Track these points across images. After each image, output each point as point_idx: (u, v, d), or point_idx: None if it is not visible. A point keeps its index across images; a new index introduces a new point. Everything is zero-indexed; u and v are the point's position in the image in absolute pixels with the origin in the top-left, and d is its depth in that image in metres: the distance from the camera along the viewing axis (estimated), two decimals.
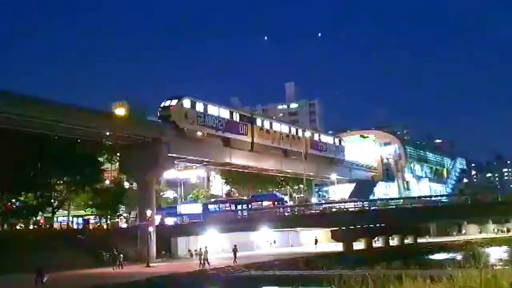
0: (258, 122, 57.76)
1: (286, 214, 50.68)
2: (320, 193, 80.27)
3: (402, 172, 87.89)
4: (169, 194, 73.39)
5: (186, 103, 48.45)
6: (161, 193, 70.17)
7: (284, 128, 61.96)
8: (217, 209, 57.82)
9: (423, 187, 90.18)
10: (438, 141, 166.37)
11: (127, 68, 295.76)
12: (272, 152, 58.69)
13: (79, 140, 46.10)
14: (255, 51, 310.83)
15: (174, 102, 48.01)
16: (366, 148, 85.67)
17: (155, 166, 45.25)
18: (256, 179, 70.73)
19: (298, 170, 61.12)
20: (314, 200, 70.25)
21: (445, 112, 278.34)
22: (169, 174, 59.54)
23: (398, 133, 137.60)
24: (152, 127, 46.29)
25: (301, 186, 72.03)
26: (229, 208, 57.25)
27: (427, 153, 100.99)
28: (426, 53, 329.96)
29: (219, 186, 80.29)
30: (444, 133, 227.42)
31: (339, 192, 72.89)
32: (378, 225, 49.52)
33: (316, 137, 69.11)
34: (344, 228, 46.34)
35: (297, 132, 64.05)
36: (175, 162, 51.40)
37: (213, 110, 51.09)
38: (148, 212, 43.17)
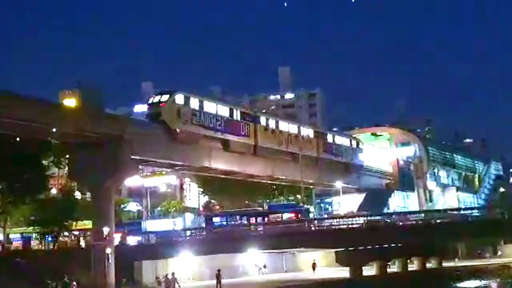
0: (262, 121, 59.74)
1: (317, 228, 51.16)
2: (322, 205, 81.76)
3: (423, 179, 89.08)
4: (132, 206, 73.76)
5: (179, 99, 50.09)
6: (122, 206, 70.08)
7: (292, 128, 64.18)
8: (224, 222, 59.01)
9: (449, 197, 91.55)
10: (468, 141, 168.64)
11: (79, 45, 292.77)
12: (278, 156, 60.87)
13: (18, 138, 45.76)
14: (241, 27, 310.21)
15: (165, 97, 49.71)
16: (378, 150, 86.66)
17: (115, 171, 45.28)
18: (242, 188, 71.72)
19: (295, 177, 62.23)
20: (313, 214, 71.06)
21: (476, 106, 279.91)
22: (132, 181, 59.55)
23: (419, 130, 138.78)
24: (110, 121, 46.30)
25: (299, 196, 73.39)
26: (239, 222, 58.44)
27: (455, 155, 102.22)
28: (452, 36, 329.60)
29: (195, 197, 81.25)
30: (475, 131, 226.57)
31: (345, 204, 74.14)
32: (393, 245, 49.80)
33: (329, 138, 71.16)
34: (351, 249, 46.46)
35: (307, 133, 66.51)
36: (140, 166, 51.61)
37: (210, 107, 52.95)
38: (105, 230, 43.19)
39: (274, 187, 77.30)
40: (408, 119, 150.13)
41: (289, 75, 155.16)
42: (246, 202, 79.24)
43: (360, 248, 46.73)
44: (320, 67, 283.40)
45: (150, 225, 62.03)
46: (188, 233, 55.19)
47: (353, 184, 75.72)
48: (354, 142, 76.34)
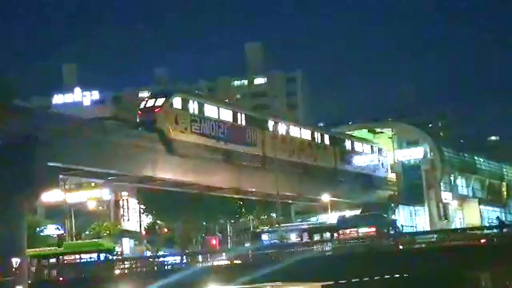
0: (270, 125, 64.88)
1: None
2: None
3: (436, 189, 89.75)
4: (51, 230, 73.99)
5: (177, 102, 54.56)
6: (38, 229, 70.46)
7: (305, 133, 69.32)
8: (278, 240, 60.66)
9: (470, 213, 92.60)
10: (493, 139, 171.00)
11: None
12: (289, 169, 65.04)
13: None
14: None
15: (160, 101, 54.00)
16: (375, 148, 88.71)
17: (26, 183, 44.30)
18: (198, 205, 72.30)
19: (283, 189, 63.77)
20: (293, 238, 69.64)
21: (502, 96, 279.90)
22: (50, 196, 58.89)
23: (430, 126, 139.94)
24: (20, 116, 45.81)
25: (274, 215, 76.66)
26: (298, 239, 61.33)
27: (477, 158, 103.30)
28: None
29: (135, 217, 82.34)
30: (502, 127, 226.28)
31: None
32: (397, 275, 49.72)
33: (348, 145, 76.37)
34: (343, 282, 46.40)
35: (322, 139, 71.82)
36: (61, 176, 52.29)
37: (211, 111, 57.81)
38: (15, 261, 42.64)
39: (241, 202, 78.59)
40: (416, 111, 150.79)
41: (260, 54, 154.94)
42: (204, 223, 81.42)
43: (354, 280, 47.04)
44: (301, 46, 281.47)
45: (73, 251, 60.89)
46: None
47: (345, 197, 77.14)
48: (376, 149, 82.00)
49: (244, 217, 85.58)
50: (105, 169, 51.62)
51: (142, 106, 55.36)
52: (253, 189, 66.13)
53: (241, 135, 60.84)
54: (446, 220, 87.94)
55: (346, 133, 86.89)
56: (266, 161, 62.50)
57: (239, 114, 61.24)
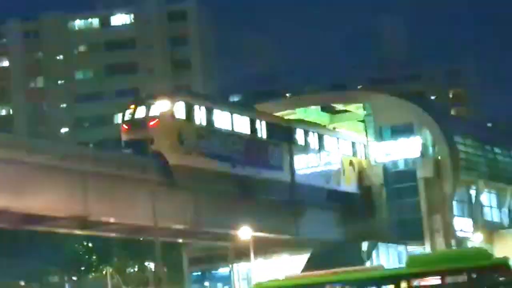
0: (299, 135, 64.68)
1: None
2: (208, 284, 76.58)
3: (445, 213, 75.72)
4: None
5: (180, 109, 52.95)
6: None
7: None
8: None
9: (506, 252, 69.09)
10: None
11: None
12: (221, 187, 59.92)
13: None
14: None
15: (159, 107, 52.01)
16: (341, 143, 76.53)
17: None
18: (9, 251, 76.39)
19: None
20: None
21: None
22: None
23: (434, 98, 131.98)
24: None
25: (151, 265, 76.18)
26: None
27: None
28: None
29: None
30: None
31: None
32: None
33: (299, 137, 70.29)
34: None
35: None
36: None
37: (223, 119, 56.87)
38: None
39: (90, 244, 77.28)
40: (410, 73, 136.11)
41: None
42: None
43: None
44: None
45: None
46: None
47: (279, 230, 67.53)
48: (348, 142, 74.54)
49: (97, 270, 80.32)
50: None
51: (127, 117, 52.54)
52: (111, 219, 55.26)
53: (262, 153, 59.88)
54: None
55: (281, 115, 74.45)
56: (295, 192, 63.46)
57: (257, 122, 60.51)
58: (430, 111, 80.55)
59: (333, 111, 79.90)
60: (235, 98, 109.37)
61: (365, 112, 77.54)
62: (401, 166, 76.41)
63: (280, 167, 61.51)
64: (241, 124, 57.98)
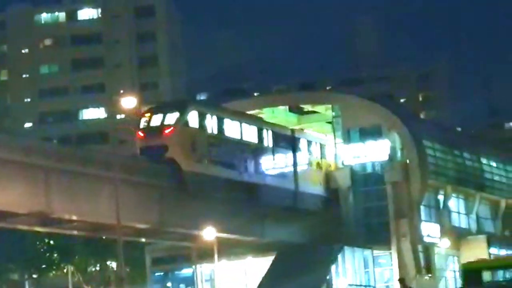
0: (303, 143, 67.31)
1: None
2: None
3: (412, 218, 74.18)
4: None
5: (193, 118, 55.07)
6: None
7: (311, 143, 70.40)
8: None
9: (472, 259, 71.78)
10: None
11: None
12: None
13: None
14: None
15: (172, 116, 53.58)
16: (309, 145, 75.68)
17: None
18: None
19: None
20: None
21: None
22: None
23: (402, 101, 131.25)
24: None
25: (113, 264, 76.19)
26: None
27: (486, 161, 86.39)
28: None
29: None
30: None
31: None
32: None
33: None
34: None
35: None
36: None
37: (233, 128, 59.16)
38: None
39: (51, 242, 76.33)
40: (379, 73, 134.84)
41: None
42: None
43: None
44: None
45: None
46: None
47: (245, 232, 67.50)
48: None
49: (58, 268, 79.49)
50: None
51: (143, 124, 54.05)
52: (73, 216, 54.70)
53: (268, 162, 62.85)
54: (430, 275, 75.65)
55: (249, 113, 74.13)
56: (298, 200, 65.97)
57: (265, 131, 62.83)
58: (399, 114, 79.89)
59: (301, 112, 79.50)
60: (202, 97, 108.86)
61: (333, 113, 77.09)
62: (369, 169, 76.00)
63: (282, 176, 62.92)
64: (249, 131, 60.48)
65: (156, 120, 53.57)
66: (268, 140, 64.08)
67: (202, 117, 55.35)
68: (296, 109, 78.99)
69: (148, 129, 53.66)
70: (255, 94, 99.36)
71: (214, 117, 57.07)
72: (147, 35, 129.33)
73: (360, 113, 76.68)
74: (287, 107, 78.84)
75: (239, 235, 65.77)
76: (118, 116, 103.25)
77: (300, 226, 70.41)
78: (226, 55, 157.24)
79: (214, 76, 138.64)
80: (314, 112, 79.42)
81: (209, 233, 59.99)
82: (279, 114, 77.14)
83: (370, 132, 75.31)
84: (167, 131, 52.62)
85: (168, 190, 60.95)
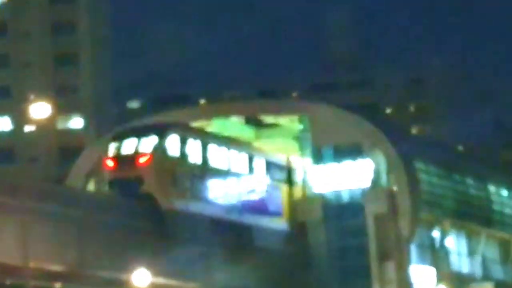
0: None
1: None
2: None
3: (400, 261, 73.08)
4: None
5: (174, 143, 54.14)
6: None
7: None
8: None
9: None
10: None
11: None
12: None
13: None
14: None
15: (149, 142, 52.66)
16: (269, 166, 73.69)
17: None
18: None
19: None
20: None
21: None
22: None
23: (388, 112, 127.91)
24: None
25: None
26: None
27: (494, 188, 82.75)
28: None
29: None
30: None
31: None
32: None
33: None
34: None
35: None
36: None
37: (218, 153, 59.13)
38: None
39: None
40: (357, 76, 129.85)
41: None
42: None
43: None
44: None
45: None
46: None
47: (189, 275, 63.88)
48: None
49: None
50: None
51: (112, 152, 52.88)
52: None
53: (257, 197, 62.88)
54: None
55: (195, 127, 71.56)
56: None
57: (256, 159, 62.41)
58: (384, 128, 75.46)
59: (260, 125, 75.04)
60: (133, 104, 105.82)
61: (301, 126, 73.42)
62: (346, 198, 72.58)
63: (276, 212, 62.29)
64: (238, 160, 61.50)
65: (129, 146, 51.57)
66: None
67: (183, 139, 53.57)
68: (253, 121, 74.74)
69: (119, 158, 51.73)
70: (202, 101, 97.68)
71: (198, 140, 55.52)
72: (65, 26, 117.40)
73: (334, 127, 72.83)
74: (243, 118, 74.61)
75: (178, 280, 61.56)
76: (27, 128, 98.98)
77: (256, 269, 64.62)
78: (166, 53, 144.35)
79: (150, 78, 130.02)
80: (276, 125, 75.17)
81: (141, 277, 51.78)
82: (232, 127, 72.81)
83: (347, 151, 72.36)
84: (142, 159, 50.55)
85: (88, 222, 57.44)
